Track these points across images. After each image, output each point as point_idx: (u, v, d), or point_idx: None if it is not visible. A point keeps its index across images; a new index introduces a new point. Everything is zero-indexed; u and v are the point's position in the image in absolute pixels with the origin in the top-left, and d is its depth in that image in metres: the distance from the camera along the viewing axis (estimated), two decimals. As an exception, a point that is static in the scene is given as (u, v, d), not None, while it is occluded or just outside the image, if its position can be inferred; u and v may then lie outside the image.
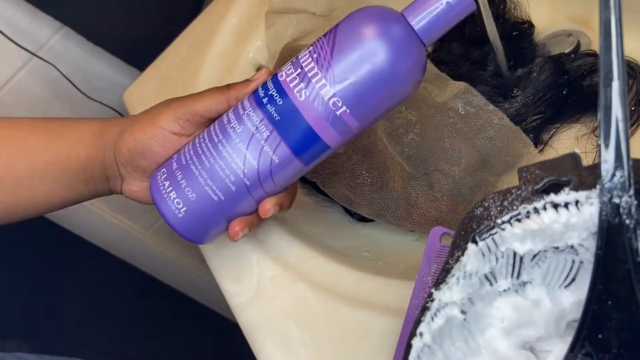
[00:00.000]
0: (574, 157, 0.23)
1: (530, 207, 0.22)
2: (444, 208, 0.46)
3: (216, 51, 0.61)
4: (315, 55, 0.33)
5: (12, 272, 0.72)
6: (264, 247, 0.42)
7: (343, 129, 0.34)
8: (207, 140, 0.36)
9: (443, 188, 0.46)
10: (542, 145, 0.48)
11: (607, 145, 0.20)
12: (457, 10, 0.33)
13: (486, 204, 0.24)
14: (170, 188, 0.36)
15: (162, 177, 0.37)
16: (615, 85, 0.19)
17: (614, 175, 0.20)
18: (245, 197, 0.36)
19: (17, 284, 0.73)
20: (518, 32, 0.53)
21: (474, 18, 0.53)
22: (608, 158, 0.20)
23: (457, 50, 0.57)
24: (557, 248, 0.23)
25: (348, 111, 0.33)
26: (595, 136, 0.45)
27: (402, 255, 0.45)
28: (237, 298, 0.39)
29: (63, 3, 0.66)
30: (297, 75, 0.33)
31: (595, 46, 0.51)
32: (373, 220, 0.49)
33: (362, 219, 0.50)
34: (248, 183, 0.35)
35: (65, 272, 0.80)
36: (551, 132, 0.48)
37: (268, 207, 0.36)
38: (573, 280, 0.24)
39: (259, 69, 0.61)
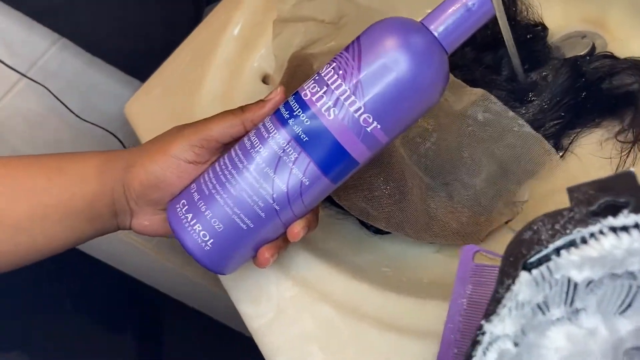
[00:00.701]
0: (629, 176, 0.21)
1: (586, 232, 0.21)
2: (465, 219, 0.44)
3: (220, 60, 0.60)
4: (340, 72, 0.32)
5: (13, 287, 0.70)
6: (282, 265, 0.40)
7: (373, 144, 0.33)
8: (230, 167, 0.34)
9: (463, 199, 0.45)
10: (563, 152, 0.47)
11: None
12: (477, 16, 0.32)
13: (535, 228, 0.22)
14: (195, 220, 0.34)
15: (184, 209, 0.35)
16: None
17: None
18: (274, 222, 0.34)
19: (18, 297, 0.71)
20: (532, 35, 0.52)
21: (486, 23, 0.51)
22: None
23: (470, 55, 0.56)
24: (614, 274, 0.21)
25: (379, 126, 0.32)
26: (619, 141, 0.44)
27: (423, 269, 0.44)
28: (256, 321, 0.38)
29: (61, 14, 0.64)
30: (324, 93, 0.32)
31: (611, 47, 0.50)
32: (389, 233, 0.48)
33: (378, 232, 0.48)
34: (277, 208, 0.34)
35: (65, 283, 0.78)
36: (571, 138, 0.47)
37: (297, 230, 0.35)
38: (629, 306, 0.22)
39: (265, 78, 0.60)
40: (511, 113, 0.44)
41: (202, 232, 0.34)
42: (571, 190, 0.22)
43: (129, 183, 0.36)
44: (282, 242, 0.36)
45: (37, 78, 0.64)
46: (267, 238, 0.35)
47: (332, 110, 0.32)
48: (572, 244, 0.21)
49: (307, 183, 0.33)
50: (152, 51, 0.67)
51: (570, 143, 0.47)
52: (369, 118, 0.31)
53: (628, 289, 0.22)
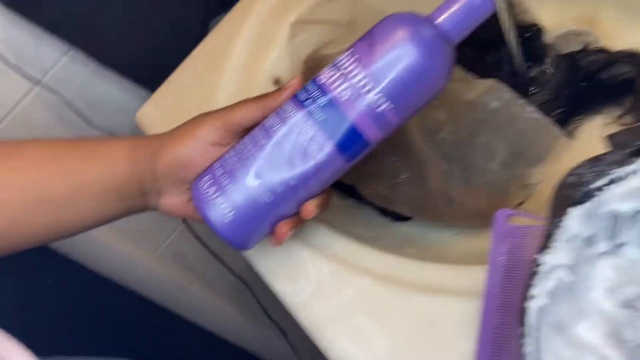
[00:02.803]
0: (661, 121, 0.24)
1: (629, 169, 0.24)
2: (483, 202, 0.47)
3: (233, 65, 0.62)
4: (355, 57, 0.35)
5: (13, 302, 0.70)
6: (314, 246, 0.42)
7: (384, 124, 0.36)
8: (250, 146, 0.37)
9: (479, 182, 0.48)
10: (568, 138, 0.50)
11: None
12: (480, 11, 0.36)
13: (578, 172, 0.25)
14: (217, 193, 0.36)
15: (207, 184, 0.37)
16: None
17: None
18: (291, 197, 0.37)
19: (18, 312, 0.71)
20: (529, 34, 0.56)
21: (484, 25, 0.55)
22: None
23: (471, 54, 0.59)
24: (653, 207, 0.24)
25: (390, 107, 0.35)
26: (621, 125, 0.48)
27: (446, 249, 0.46)
28: (295, 297, 0.39)
29: (72, 26, 0.66)
30: (339, 77, 0.35)
31: (604, 44, 0.54)
32: (408, 219, 0.50)
33: (398, 219, 0.50)
34: (294, 183, 0.36)
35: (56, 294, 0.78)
36: (575, 125, 0.50)
37: (311, 208, 0.37)
38: (666, 238, 0.25)
39: (276, 81, 0.62)
40: (521, 100, 0.47)
41: (223, 205, 0.36)
42: (610, 137, 0.25)
43: (158, 163, 0.39)
44: (297, 219, 0.38)
45: (49, 87, 0.65)
46: (283, 214, 0.37)
47: (346, 92, 0.34)
48: (614, 181, 0.24)
49: (322, 160, 0.35)
50: (161, 62, 0.69)
51: (574, 129, 0.50)
52: (382, 99, 0.34)
53: (664, 222, 0.25)
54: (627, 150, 0.24)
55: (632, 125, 0.25)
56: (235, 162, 0.37)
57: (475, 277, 0.34)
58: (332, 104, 0.35)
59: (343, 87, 0.35)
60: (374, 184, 0.48)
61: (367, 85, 0.34)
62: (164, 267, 0.88)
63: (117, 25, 0.70)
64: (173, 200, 0.40)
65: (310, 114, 0.35)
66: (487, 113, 0.48)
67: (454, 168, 0.48)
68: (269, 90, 0.62)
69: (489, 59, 0.57)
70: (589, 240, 0.25)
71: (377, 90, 0.34)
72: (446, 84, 0.37)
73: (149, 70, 0.71)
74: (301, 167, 0.36)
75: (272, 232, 0.38)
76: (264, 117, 0.38)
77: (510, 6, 0.59)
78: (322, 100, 0.35)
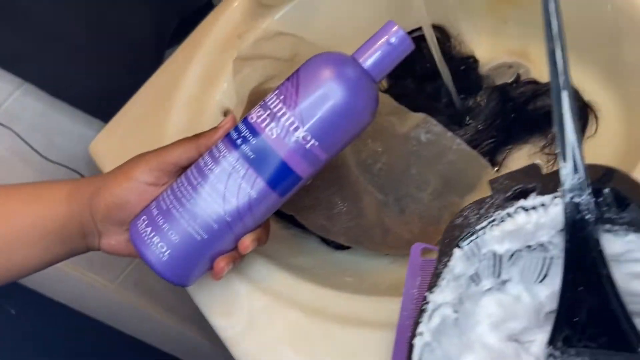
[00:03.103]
0: (536, 167, 0.26)
1: (504, 213, 0.26)
2: (416, 230, 0.49)
3: (183, 97, 0.63)
4: (282, 97, 0.37)
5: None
6: (251, 280, 0.44)
7: (313, 160, 0.37)
8: (185, 184, 0.38)
9: (413, 212, 0.49)
10: (497, 167, 0.52)
11: (564, 153, 0.24)
12: (399, 50, 0.38)
13: (465, 214, 0.27)
14: (153, 233, 0.38)
15: (143, 224, 0.38)
16: (565, 99, 0.23)
17: (572, 178, 0.23)
18: (227, 233, 0.38)
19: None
20: (465, 67, 0.59)
21: (424, 56, 0.58)
22: (567, 164, 0.24)
23: (412, 85, 0.62)
24: (530, 247, 0.26)
25: (317, 144, 0.36)
26: (545, 154, 0.50)
27: (380, 277, 0.48)
28: (229, 331, 0.40)
29: (24, 61, 0.66)
30: (267, 116, 0.37)
31: (534, 75, 0.57)
32: (349, 248, 0.52)
33: (339, 247, 0.52)
34: (229, 219, 0.37)
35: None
36: (504, 154, 0.53)
37: (247, 243, 0.38)
38: (546, 275, 0.27)
39: (226, 112, 0.64)
40: (450, 133, 0.50)
41: (160, 244, 0.37)
42: (492, 182, 0.27)
43: (96, 205, 0.40)
44: (237, 254, 0.39)
45: (2, 121, 0.66)
46: (221, 249, 0.38)
47: (274, 130, 0.36)
48: (493, 223, 0.26)
49: (255, 196, 0.37)
50: (115, 93, 0.70)
51: (503, 158, 0.53)
52: (308, 136, 0.36)
53: (543, 261, 0.27)
54: (506, 195, 0.26)
55: (511, 172, 0.27)
56: (171, 201, 0.38)
57: (395, 309, 0.35)
58: (262, 142, 0.36)
59: (272, 126, 0.36)
60: (312, 215, 0.50)
61: (294, 124, 0.36)
62: (125, 294, 0.88)
63: (69, 59, 0.71)
64: (114, 240, 0.41)
65: (242, 152, 0.37)
66: (419, 145, 0.50)
67: (389, 198, 0.50)
68: (216, 121, 0.64)
69: (429, 89, 0.59)
70: (476, 277, 0.27)
71: (304, 128, 0.36)
72: (372, 119, 0.39)
73: (104, 101, 0.72)
74: (235, 204, 0.37)
75: (211, 267, 0.39)
76: (200, 156, 0.40)
77: (447, 40, 0.62)
78: (253, 139, 0.37)
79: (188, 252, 0.38)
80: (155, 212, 0.38)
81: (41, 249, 0.40)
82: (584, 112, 0.50)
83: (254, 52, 0.57)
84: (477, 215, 0.26)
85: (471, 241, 0.26)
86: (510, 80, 0.58)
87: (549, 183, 0.25)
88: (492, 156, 0.53)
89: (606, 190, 0.24)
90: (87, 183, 0.41)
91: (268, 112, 0.37)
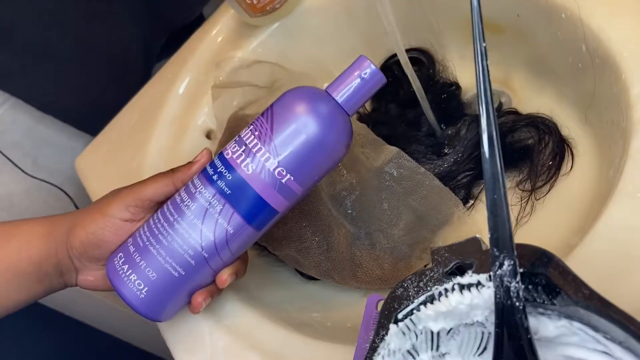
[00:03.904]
0: (475, 241, 0.26)
1: (441, 288, 0.25)
2: (387, 266, 0.49)
3: (166, 117, 0.64)
4: (257, 133, 0.37)
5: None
6: (216, 316, 0.44)
7: (289, 194, 0.37)
8: (162, 221, 0.38)
9: (384, 247, 0.49)
10: (473, 200, 0.52)
11: (495, 239, 0.23)
12: (371, 84, 0.38)
13: (405, 285, 0.27)
14: (130, 271, 0.37)
15: (120, 262, 0.38)
16: (501, 190, 0.23)
17: (502, 264, 0.23)
18: (204, 269, 0.38)
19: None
20: (447, 94, 0.58)
21: (408, 82, 0.57)
22: (497, 250, 0.23)
23: (394, 111, 0.61)
24: (467, 323, 0.26)
25: (292, 178, 0.37)
26: (520, 190, 0.50)
27: (349, 312, 0.48)
28: (192, 370, 0.41)
29: (10, 74, 0.67)
30: (243, 152, 0.37)
31: (515, 104, 0.56)
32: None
33: (311, 278, 0.52)
34: (206, 255, 0.37)
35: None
36: (481, 187, 0.52)
37: (225, 277, 0.38)
38: (485, 349, 0.27)
39: (209, 133, 0.64)
40: (422, 169, 0.49)
41: (137, 282, 0.37)
42: (432, 253, 0.27)
43: (72, 243, 0.40)
44: (214, 288, 0.39)
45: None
46: (199, 284, 0.39)
47: (250, 165, 0.36)
48: (431, 299, 0.26)
49: (232, 231, 0.37)
50: (103, 107, 0.70)
51: (480, 192, 0.52)
52: (283, 171, 0.36)
53: (482, 335, 0.26)
54: (445, 269, 0.26)
55: (452, 244, 0.27)
56: (148, 238, 0.38)
57: (350, 358, 0.35)
58: (238, 178, 0.36)
59: (247, 161, 0.36)
60: (284, 247, 0.50)
61: (269, 159, 0.36)
62: (117, 299, 0.88)
63: (58, 74, 0.71)
64: (91, 276, 0.41)
65: (218, 188, 0.37)
66: (392, 180, 0.50)
67: (361, 232, 0.50)
68: (199, 141, 0.64)
69: (410, 116, 0.59)
70: (413, 351, 0.27)
71: (279, 164, 0.36)
72: (347, 152, 0.39)
73: (92, 115, 0.72)
74: (212, 240, 0.37)
75: (189, 301, 0.39)
76: (176, 191, 0.40)
77: (432, 65, 0.61)
78: (229, 175, 0.37)
79: (165, 289, 0.38)
80: (131, 249, 0.38)
81: (17, 289, 0.40)
82: (560, 147, 0.49)
83: (233, 79, 0.56)
84: (417, 289, 0.26)
85: (407, 317, 0.26)
86: (491, 109, 0.57)
87: (486, 261, 0.25)
88: (469, 189, 0.52)
89: (537, 279, 0.23)
90: (62, 221, 0.41)
91: (243, 147, 0.37)
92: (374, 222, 0.50)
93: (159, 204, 0.40)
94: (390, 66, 0.61)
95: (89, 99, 0.76)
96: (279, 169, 0.36)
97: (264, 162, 0.36)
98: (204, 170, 0.39)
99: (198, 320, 0.43)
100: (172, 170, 0.41)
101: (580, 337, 0.24)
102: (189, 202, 0.37)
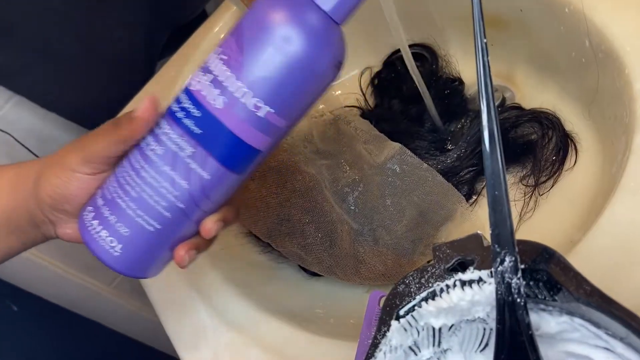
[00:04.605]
0: (477, 237, 0.26)
1: (443, 285, 0.25)
2: (390, 262, 0.49)
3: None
4: (225, 57, 0.30)
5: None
6: (218, 311, 0.44)
7: (270, 130, 0.31)
8: (128, 169, 0.32)
9: (387, 243, 0.49)
10: (476, 196, 0.52)
11: (497, 235, 0.23)
12: None
13: (407, 281, 0.27)
14: (101, 227, 0.33)
15: (90, 217, 0.33)
16: (502, 186, 0.23)
17: (503, 260, 0.23)
18: (183, 221, 0.33)
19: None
20: (450, 90, 0.58)
21: (411, 78, 0.57)
22: (498, 246, 0.23)
23: (397, 107, 0.61)
24: (468, 320, 0.26)
25: (272, 111, 0.30)
26: (523, 185, 0.49)
27: (352, 308, 0.48)
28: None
29: (13, 73, 0.67)
30: (210, 82, 0.30)
31: (519, 99, 0.56)
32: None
33: (315, 274, 0.52)
34: (182, 206, 0.32)
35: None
36: (484, 183, 0.52)
37: (209, 226, 0.33)
38: (487, 345, 0.27)
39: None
40: (425, 165, 0.49)
41: (109, 239, 0.33)
42: (434, 249, 0.27)
43: (40, 196, 0.36)
44: (200, 240, 0.34)
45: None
46: (181, 237, 0.33)
47: (220, 99, 0.30)
48: (432, 295, 0.26)
49: (208, 178, 0.31)
50: (107, 104, 0.70)
51: (482, 188, 0.52)
52: (260, 103, 0.29)
53: (483, 331, 0.27)
54: (447, 265, 0.26)
55: (454, 240, 0.27)
56: (115, 189, 0.33)
57: (353, 355, 0.35)
58: (207, 114, 0.30)
59: (215, 93, 0.30)
60: (287, 243, 0.50)
61: (240, 89, 0.29)
62: (121, 296, 0.89)
63: (60, 71, 0.71)
64: (69, 229, 0.37)
65: (185, 128, 0.30)
66: (395, 176, 0.50)
67: (364, 228, 0.50)
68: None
69: (413, 112, 0.59)
70: (415, 347, 0.27)
71: (254, 94, 0.29)
72: (339, 73, 0.31)
73: (96, 113, 0.72)
74: (187, 189, 0.31)
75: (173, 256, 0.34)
76: (129, 147, 0.33)
77: (435, 60, 0.61)
78: (196, 111, 0.30)
79: (141, 245, 0.33)
80: (100, 202, 0.33)
81: None
82: (564, 142, 0.49)
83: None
84: (418, 285, 0.26)
85: (409, 313, 0.26)
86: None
87: (488, 257, 0.25)
88: (472, 185, 0.52)
89: (539, 275, 0.23)
90: (30, 169, 0.37)
91: (210, 76, 0.30)
92: (376, 218, 0.50)
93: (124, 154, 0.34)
94: (393, 62, 0.61)
95: (91, 97, 0.76)
96: (254, 100, 0.29)
97: (235, 94, 0.29)
98: (169, 108, 0.32)
99: (201, 316, 0.44)
100: (115, 125, 0.33)
101: (581, 333, 0.24)
102: (155, 146, 0.31)
